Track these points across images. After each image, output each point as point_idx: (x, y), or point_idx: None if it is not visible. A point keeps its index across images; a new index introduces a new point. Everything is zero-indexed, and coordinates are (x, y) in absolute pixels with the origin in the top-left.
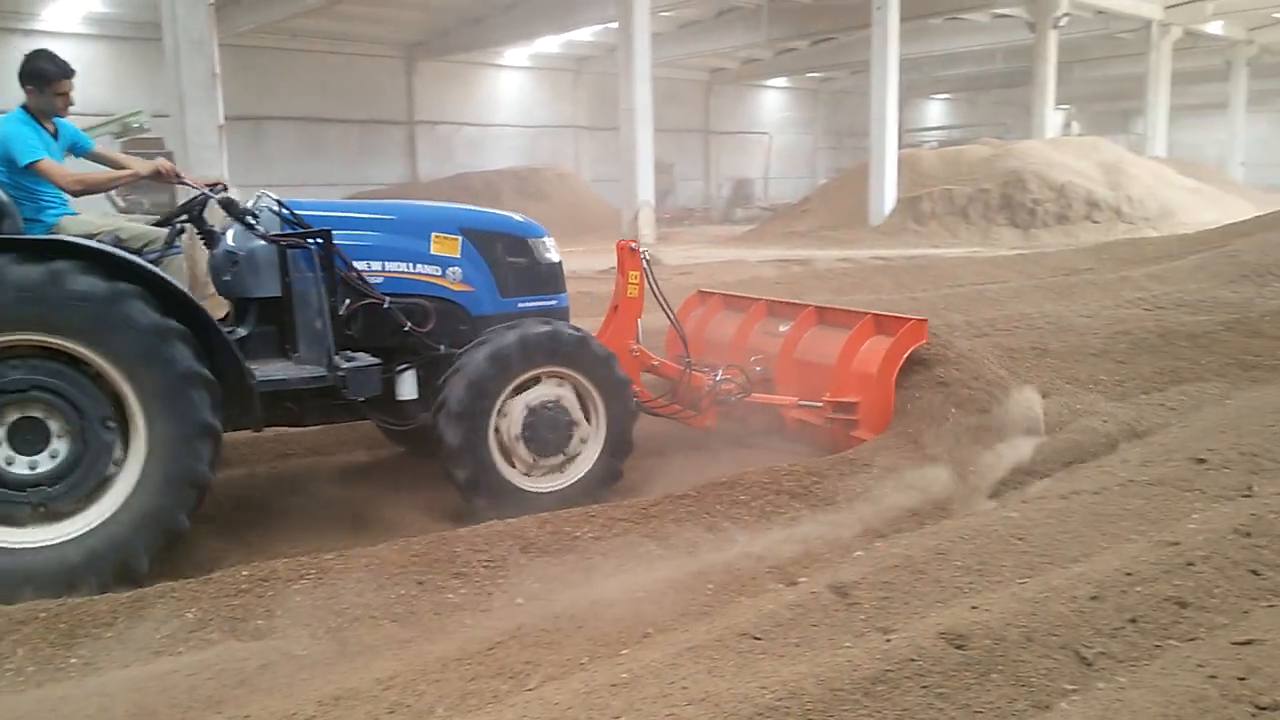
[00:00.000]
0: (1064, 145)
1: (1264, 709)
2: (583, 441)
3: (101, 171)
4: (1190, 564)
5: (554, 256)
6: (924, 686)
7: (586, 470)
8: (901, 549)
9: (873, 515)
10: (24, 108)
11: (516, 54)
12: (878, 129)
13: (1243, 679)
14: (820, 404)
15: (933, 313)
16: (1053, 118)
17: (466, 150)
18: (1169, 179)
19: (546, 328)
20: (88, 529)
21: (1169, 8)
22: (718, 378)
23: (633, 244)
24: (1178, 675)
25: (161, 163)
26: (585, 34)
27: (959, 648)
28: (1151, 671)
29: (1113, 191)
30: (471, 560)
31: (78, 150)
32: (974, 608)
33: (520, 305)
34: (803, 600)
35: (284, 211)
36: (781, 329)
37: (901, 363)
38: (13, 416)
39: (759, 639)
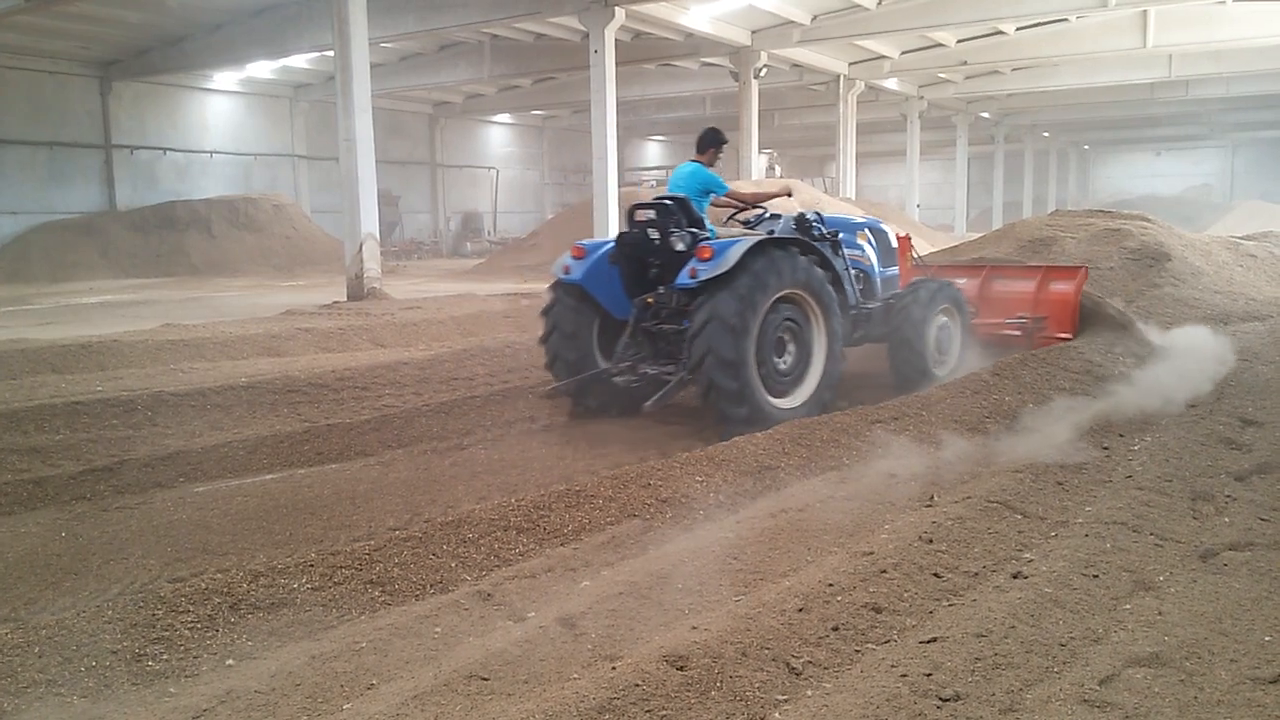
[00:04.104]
0: (768, 186)
1: (947, 700)
2: (953, 343)
3: (758, 191)
4: (883, 571)
5: (894, 242)
6: (648, 711)
7: (954, 361)
8: (626, 576)
9: (600, 543)
10: (697, 161)
11: (226, 78)
12: (599, 167)
13: (929, 675)
14: (1026, 319)
15: None
16: (757, 161)
17: (173, 177)
18: None
19: (945, 281)
20: (807, 397)
21: (852, 64)
22: None
23: (906, 234)
24: (875, 677)
25: (792, 183)
26: (301, 60)
27: (680, 669)
28: (853, 676)
29: None
30: (174, 623)
31: None
32: (694, 628)
33: (885, 273)
34: (531, 636)
35: (820, 221)
36: (960, 282)
37: (1080, 289)
38: (776, 337)
39: (487, 680)
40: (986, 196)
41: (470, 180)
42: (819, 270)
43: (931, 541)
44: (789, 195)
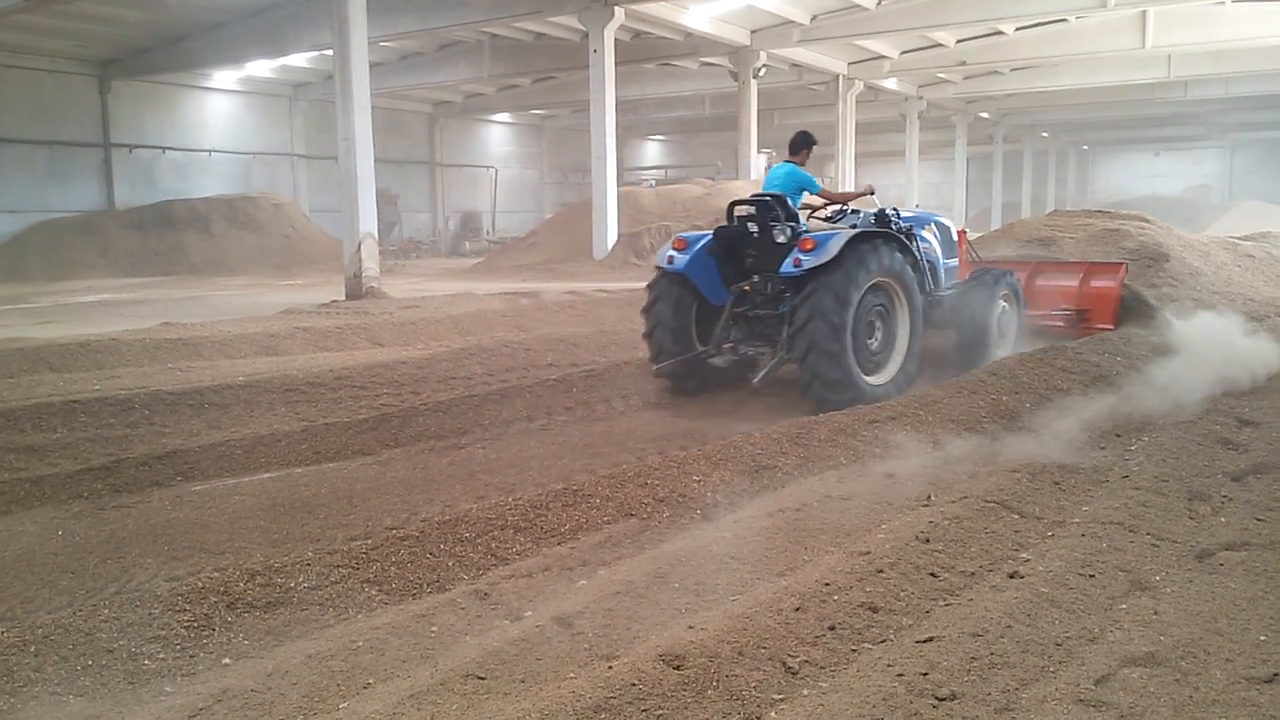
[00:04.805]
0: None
1: (943, 699)
2: (1011, 327)
3: (845, 192)
4: (880, 571)
5: (954, 236)
6: (644, 710)
7: (1012, 343)
8: (623, 575)
9: (596, 543)
10: (791, 162)
11: (225, 76)
12: (598, 167)
13: (925, 674)
14: (1069, 312)
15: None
16: (757, 160)
17: (172, 176)
18: None
19: (1004, 271)
20: (894, 373)
21: (852, 64)
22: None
23: (963, 229)
24: (871, 676)
25: (870, 186)
26: (300, 59)
27: (677, 668)
28: (849, 675)
29: None
30: (171, 622)
31: None
32: (691, 628)
33: (947, 264)
34: (527, 635)
35: (897, 218)
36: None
37: (1121, 284)
38: (867, 320)
39: (483, 679)
40: (985, 196)
41: (469, 179)
42: (904, 260)
43: (928, 541)
44: (872, 193)
